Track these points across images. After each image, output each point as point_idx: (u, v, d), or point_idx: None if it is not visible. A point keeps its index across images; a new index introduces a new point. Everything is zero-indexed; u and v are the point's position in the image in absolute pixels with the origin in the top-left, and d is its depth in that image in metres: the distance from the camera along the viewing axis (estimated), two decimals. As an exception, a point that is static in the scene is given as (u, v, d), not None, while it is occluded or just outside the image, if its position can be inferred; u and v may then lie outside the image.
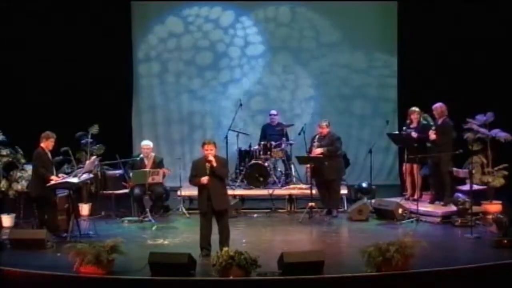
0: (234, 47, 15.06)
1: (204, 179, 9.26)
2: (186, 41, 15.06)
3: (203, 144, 9.43)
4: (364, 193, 12.82)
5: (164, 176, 12.05)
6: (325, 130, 12.09)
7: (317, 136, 12.16)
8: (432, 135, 11.70)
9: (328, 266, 8.38)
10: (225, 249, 8.43)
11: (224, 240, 9.32)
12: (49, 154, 10.66)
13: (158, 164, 12.23)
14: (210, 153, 9.31)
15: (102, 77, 14.25)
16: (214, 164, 9.26)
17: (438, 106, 11.83)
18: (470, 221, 10.50)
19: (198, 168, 9.41)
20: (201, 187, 9.39)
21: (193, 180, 9.46)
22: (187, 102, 15.14)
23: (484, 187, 11.99)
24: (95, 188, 12.53)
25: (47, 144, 10.59)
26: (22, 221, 11.59)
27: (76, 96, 14.14)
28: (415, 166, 12.17)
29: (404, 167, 12.64)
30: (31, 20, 13.99)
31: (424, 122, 12.32)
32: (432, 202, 11.94)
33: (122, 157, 12.41)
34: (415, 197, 12.06)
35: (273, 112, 13.85)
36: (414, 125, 12.28)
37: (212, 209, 9.32)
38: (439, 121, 11.81)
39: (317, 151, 11.95)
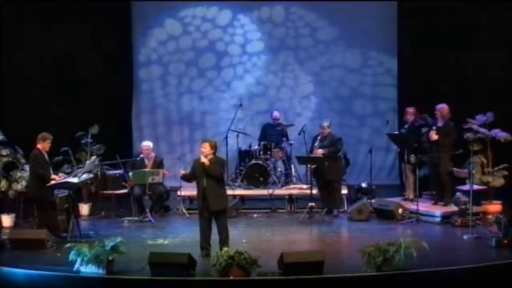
0: (233, 47, 15.04)
1: (181, 172, 9.55)
2: (186, 41, 15.03)
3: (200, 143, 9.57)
4: (364, 193, 12.82)
5: (163, 176, 12.06)
6: (326, 131, 12.11)
7: (318, 137, 12.16)
8: (434, 135, 11.72)
9: (328, 266, 8.38)
10: (225, 249, 8.45)
11: (224, 240, 9.33)
12: (46, 155, 10.66)
13: (158, 164, 12.25)
14: (203, 151, 9.35)
15: (102, 77, 14.24)
16: (207, 163, 9.27)
17: (443, 107, 11.84)
18: (470, 221, 10.50)
19: (195, 166, 9.46)
20: (198, 187, 9.44)
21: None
22: (187, 102, 15.13)
23: (484, 187, 12.00)
24: (95, 188, 12.53)
25: (43, 145, 10.59)
26: (22, 221, 11.60)
27: (76, 96, 14.12)
28: (408, 166, 12.22)
29: (403, 167, 12.66)
30: (31, 20, 13.98)
31: (422, 122, 12.35)
32: (435, 202, 11.95)
33: (122, 157, 12.43)
34: (411, 196, 12.09)
35: (276, 115, 13.81)
36: (407, 125, 12.36)
37: (209, 209, 9.34)
38: (441, 123, 11.83)
39: (318, 151, 11.96)
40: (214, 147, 9.43)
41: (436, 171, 11.85)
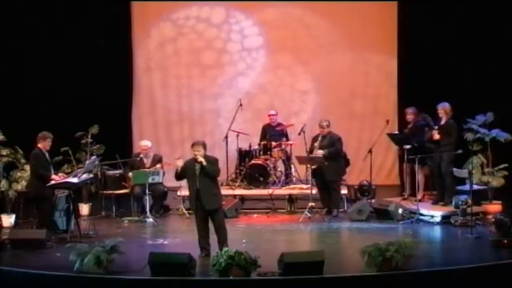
0: (234, 47, 15.04)
1: (179, 165, 9.34)
2: (186, 41, 15.03)
3: (192, 145, 9.46)
4: (364, 193, 12.82)
5: (164, 173, 12.06)
6: (325, 130, 12.13)
7: (319, 137, 12.16)
8: (436, 135, 11.75)
9: (328, 266, 8.38)
10: (225, 249, 8.45)
11: (222, 239, 9.34)
12: (47, 154, 10.66)
13: (157, 162, 12.27)
14: (197, 154, 9.32)
15: (102, 77, 14.24)
16: (204, 162, 9.28)
17: (445, 106, 11.88)
18: (470, 221, 10.50)
19: (188, 168, 9.41)
20: (189, 187, 9.43)
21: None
22: (187, 102, 15.12)
23: (484, 187, 12.00)
24: (95, 188, 12.55)
25: (44, 144, 10.60)
26: (22, 221, 11.60)
27: (76, 96, 14.12)
28: (416, 166, 12.21)
29: (404, 167, 12.66)
30: (31, 20, 13.98)
31: (423, 122, 12.36)
32: (435, 202, 11.96)
33: (122, 157, 12.43)
34: (419, 197, 12.07)
35: (272, 112, 13.88)
36: (410, 125, 12.38)
37: (204, 209, 9.35)
38: (443, 121, 11.85)
39: (319, 152, 11.95)
40: (206, 148, 9.46)
41: (438, 171, 11.86)
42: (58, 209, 10.68)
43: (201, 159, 9.28)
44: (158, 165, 12.15)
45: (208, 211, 9.37)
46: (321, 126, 12.17)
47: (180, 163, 9.41)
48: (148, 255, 8.46)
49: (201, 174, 9.29)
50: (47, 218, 10.47)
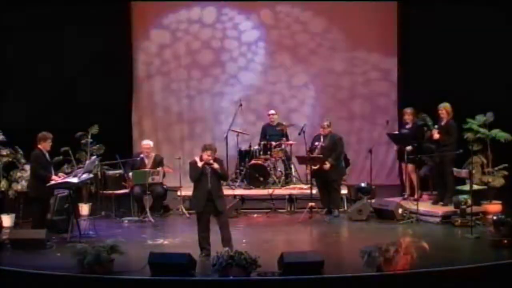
0: (234, 47, 15.04)
1: (199, 161, 9.28)
2: (186, 41, 15.03)
3: (204, 149, 9.40)
4: (364, 193, 12.82)
5: (164, 175, 12.07)
6: (326, 130, 12.14)
7: (321, 138, 12.16)
8: (436, 134, 11.76)
9: (328, 266, 8.38)
10: (225, 249, 8.47)
11: (227, 238, 9.34)
12: (47, 155, 10.66)
13: (158, 163, 12.27)
14: (208, 158, 9.31)
15: (102, 77, 14.23)
16: (219, 170, 9.31)
17: (447, 105, 11.90)
18: (470, 221, 10.50)
19: (200, 169, 9.37)
20: (199, 188, 9.40)
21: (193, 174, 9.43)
22: (187, 102, 15.12)
23: (484, 187, 12.00)
24: (95, 188, 12.55)
25: (44, 145, 10.59)
26: (22, 221, 11.60)
27: (76, 96, 14.12)
28: (410, 166, 12.25)
29: (403, 167, 12.67)
30: (31, 20, 13.97)
31: (422, 122, 12.37)
32: (435, 202, 11.96)
33: (122, 157, 12.43)
34: (415, 197, 12.09)
35: (272, 112, 13.87)
36: (409, 125, 12.39)
37: (213, 210, 9.36)
38: (444, 121, 11.86)
39: (326, 167, 11.90)
40: (216, 152, 9.48)
41: (439, 171, 11.86)
42: (58, 209, 10.68)
43: (216, 165, 9.30)
44: (159, 168, 12.11)
45: (218, 212, 9.40)
46: (322, 126, 12.17)
47: (199, 162, 9.32)
48: (148, 255, 8.47)
49: (212, 176, 9.32)
50: (40, 218, 10.46)
